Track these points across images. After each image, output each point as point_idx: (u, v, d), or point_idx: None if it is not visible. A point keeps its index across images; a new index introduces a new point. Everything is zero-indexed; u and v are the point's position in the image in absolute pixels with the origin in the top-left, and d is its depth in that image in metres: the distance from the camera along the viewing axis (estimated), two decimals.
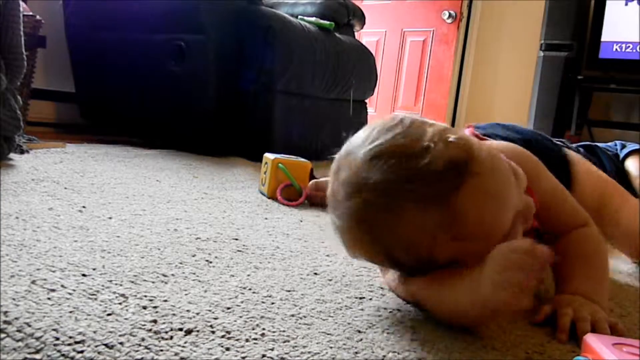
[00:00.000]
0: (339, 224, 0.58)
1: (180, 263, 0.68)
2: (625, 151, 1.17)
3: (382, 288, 0.67)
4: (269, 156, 1.32)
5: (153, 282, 0.59)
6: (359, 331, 0.53)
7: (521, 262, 0.49)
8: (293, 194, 1.25)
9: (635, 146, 1.18)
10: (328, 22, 2.28)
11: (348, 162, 0.56)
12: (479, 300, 0.51)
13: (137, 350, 0.43)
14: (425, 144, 0.53)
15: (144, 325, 0.47)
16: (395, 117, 0.58)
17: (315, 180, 1.31)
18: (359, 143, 0.56)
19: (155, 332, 0.46)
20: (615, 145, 1.22)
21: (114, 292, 0.54)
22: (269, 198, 1.26)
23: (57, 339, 0.42)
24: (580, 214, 0.73)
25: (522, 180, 0.62)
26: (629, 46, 2.82)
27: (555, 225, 0.72)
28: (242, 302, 0.57)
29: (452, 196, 0.52)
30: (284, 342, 0.48)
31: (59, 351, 0.41)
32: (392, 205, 0.53)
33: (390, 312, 0.59)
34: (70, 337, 0.43)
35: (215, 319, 0.51)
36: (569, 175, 0.86)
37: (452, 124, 3.52)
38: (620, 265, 0.97)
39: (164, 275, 0.62)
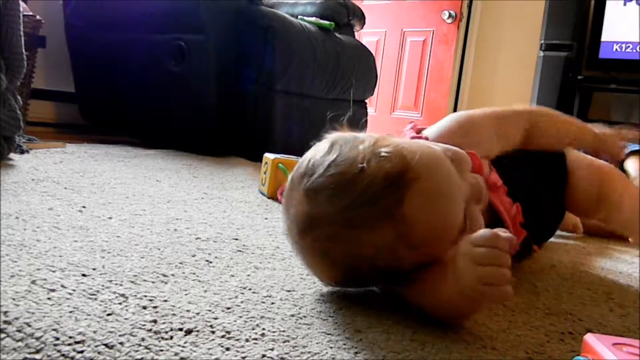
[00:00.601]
0: (301, 258, 0.60)
1: (180, 263, 0.68)
2: (625, 152, 1.17)
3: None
4: (269, 156, 1.32)
5: (153, 282, 0.59)
6: (359, 331, 0.53)
7: (487, 255, 0.49)
8: None
9: (635, 146, 1.18)
10: (328, 22, 2.28)
11: (293, 199, 0.58)
12: (462, 297, 0.51)
13: (137, 350, 0.43)
14: (359, 166, 0.54)
15: (144, 325, 0.47)
16: (327, 141, 0.59)
17: None
18: (299, 178, 0.58)
19: (155, 332, 0.46)
20: None
21: (114, 292, 0.54)
22: (269, 198, 1.26)
23: (57, 339, 0.42)
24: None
25: (464, 163, 0.61)
26: (629, 46, 2.82)
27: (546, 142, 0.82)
28: (242, 302, 0.57)
29: (397, 210, 0.52)
30: (284, 342, 0.48)
31: (59, 351, 0.41)
32: (344, 235, 0.54)
33: (390, 312, 0.59)
34: (70, 337, 0.43)
35: (215, 319, 0.51)
36: (565, 166, 0.87)
37: None
38: (620, 266, 0.97)
39: (164, 275, 0.62)
